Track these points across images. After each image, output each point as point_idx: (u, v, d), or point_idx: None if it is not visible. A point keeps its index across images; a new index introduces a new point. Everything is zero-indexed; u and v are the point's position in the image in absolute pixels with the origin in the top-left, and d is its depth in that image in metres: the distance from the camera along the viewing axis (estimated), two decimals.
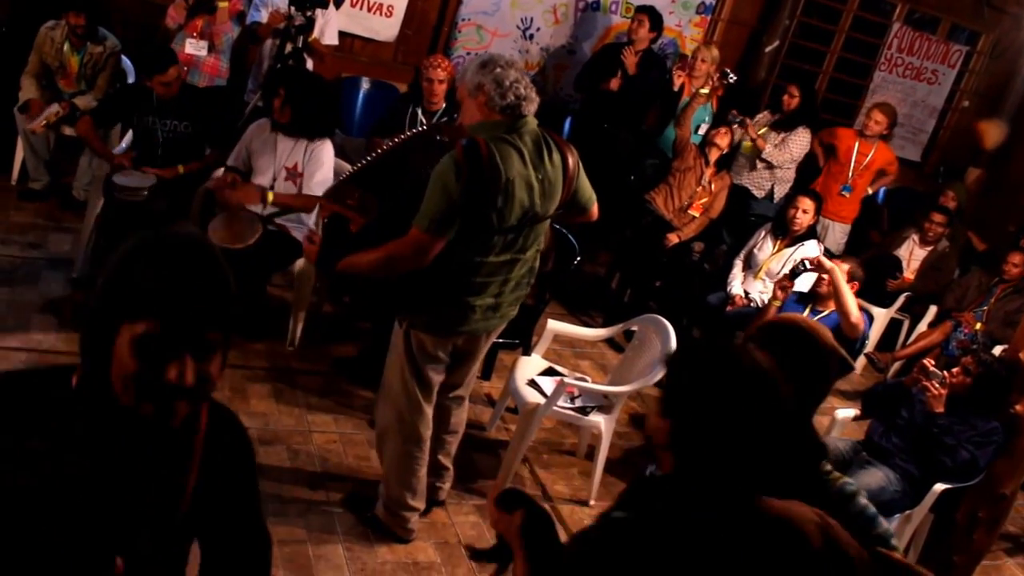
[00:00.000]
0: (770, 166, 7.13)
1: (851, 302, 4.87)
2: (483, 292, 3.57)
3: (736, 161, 7.26)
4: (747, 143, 7.14)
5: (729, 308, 6.11)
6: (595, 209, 3.85)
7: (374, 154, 3.71)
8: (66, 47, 6.08)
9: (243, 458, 1.95)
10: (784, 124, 7.15)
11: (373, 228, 3.50)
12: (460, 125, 3.57)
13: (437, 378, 3.82)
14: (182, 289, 1.54)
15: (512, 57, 3.77)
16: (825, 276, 5.09)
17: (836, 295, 4.93)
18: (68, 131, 6.16)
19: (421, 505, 4.04)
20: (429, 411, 3.86)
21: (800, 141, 7.12)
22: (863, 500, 2.37)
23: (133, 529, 1.73)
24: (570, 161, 3.60)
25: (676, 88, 7.10)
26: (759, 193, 7.22)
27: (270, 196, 4.97)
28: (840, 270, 4.98)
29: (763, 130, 7.15)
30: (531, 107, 3.45)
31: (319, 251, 3.64)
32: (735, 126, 6.95)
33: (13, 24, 6.73)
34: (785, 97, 7.16)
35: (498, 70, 3.39)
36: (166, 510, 1.76)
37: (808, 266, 5.15)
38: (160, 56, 5.37)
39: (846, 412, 5.09)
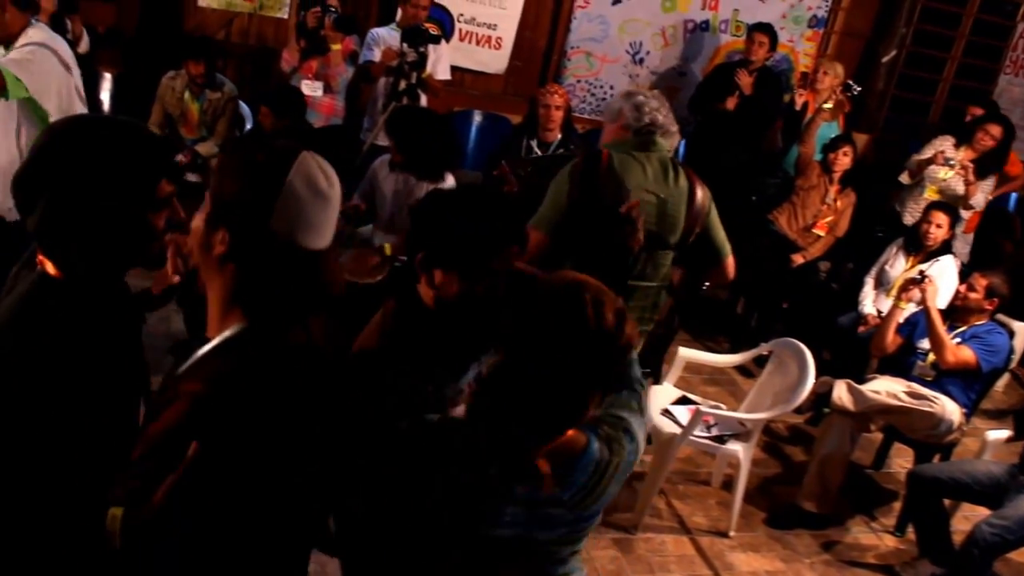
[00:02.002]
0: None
1: (939, 330, 4.78)
2: None
3: (913, 193, 6.79)
4: (934, 187, 6.61)
5: (861, 329, 5.89)
6: (730, 263, 3.76)
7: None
8: (186, 95, 6.21)
9: None
10: (987, 167, 6.57)
11: None
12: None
13: None
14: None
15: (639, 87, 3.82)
16: (916, 291, 5.00)
17: (927, 321, 4.84)
18: (191, 178, 6.30)
19: None
20: None
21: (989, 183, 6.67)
22: None
23: None
24: (698, 193, 3.56)
25: (799, 107, 6.94)
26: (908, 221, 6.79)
27: (387, 248, 4.99)
28: (931, 290, 4.89)
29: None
30: (668, 139, 3.51)
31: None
32: (946, 167, 6.47)
33: (130, 75, 6.95)
34: (980, 135, 6.49)
35: (640, 98, 3.51)
36: None
37: (920, 278, 5.01)
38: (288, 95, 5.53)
39: (998, 434, 4.84)
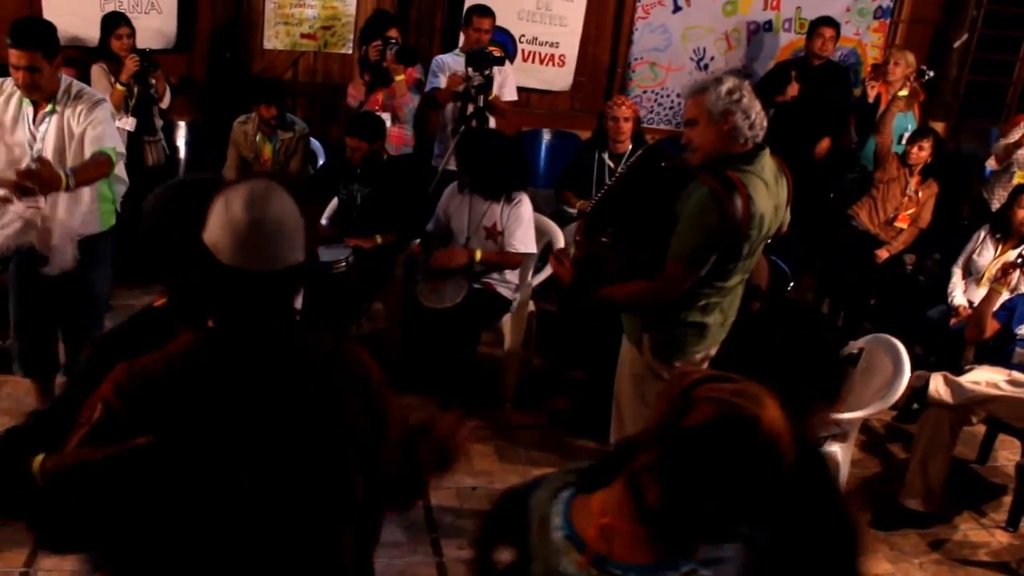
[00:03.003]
0: None
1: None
2: (711, 312, 3.52)
3: (1001, 179, 6.59)
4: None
5: (953, 321, 5.73)
6: (786, 226, 3.74)
7: (603, 190, 3.69)
8: (258, 137, 6.30)
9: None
10: None
11: (626, 261, 3.47)
12: (689, 146, 3.43)
13: None
14: None
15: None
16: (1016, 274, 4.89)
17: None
18: None
19: None
20: None
21: None
22: None
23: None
24: (789, 185, 3.53)
25: (872, 100, 6.82)
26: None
27: (478, 254, 5.00)
28: None
29: None
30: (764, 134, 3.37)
31: (573, 278, 3.56)
32: None
33: (205, 122, 7.08)
34: None
35: (745, 99, 3.27)
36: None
37: (1020, 262, 4.87)
38: (369, 119, 5.58)
39: None
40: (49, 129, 4.12)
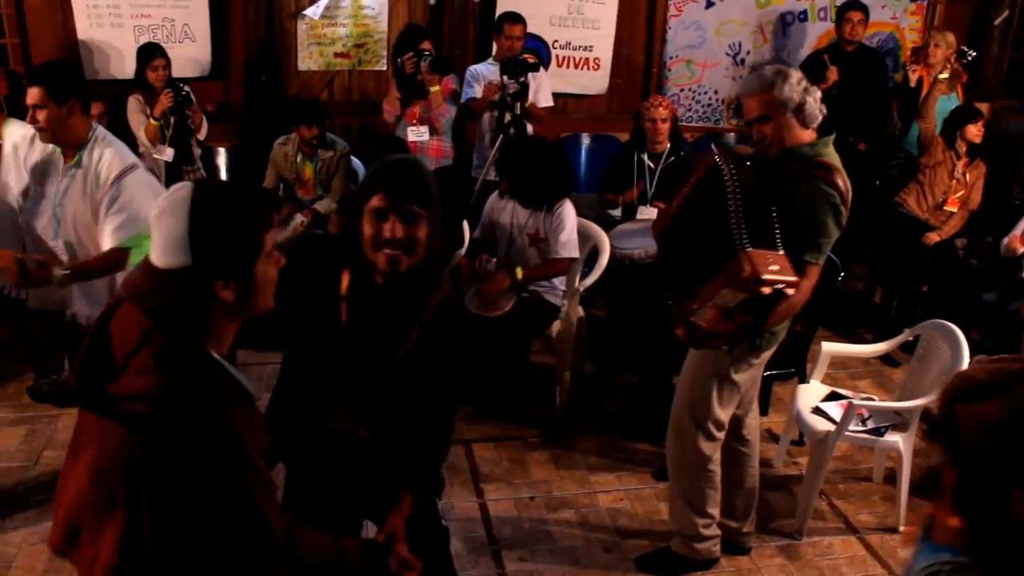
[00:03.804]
0: None
1: None
2: None
3: None
4: None
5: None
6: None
7: (682, 191, 3.55)
8: (299, 158, 6.33)
9: (451, 344, 2.67)
10: None
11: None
12: (762, 142, 3.44)
13: (750, 393, 3.82)
14: (396, 174, 2.48)
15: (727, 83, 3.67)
16: None
17: None
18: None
19: (716, 512, 3.92)
20: (726, 423, 3.79)
21: None
22: None
23: (360, 369, 2.56)
24: None
25: (913, 84, 6.72)
26: None
27: (519, 273, 4.98)
28: None
29: None
30: None
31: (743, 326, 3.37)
32: None
33: (243, 146, 7.14)
34: None
35: (809, 86, 3.37)
36: (387, 354, 2.55)
37: None
38: (389, 143, 5.58)
39: None
40: (73, 187, 4.04)
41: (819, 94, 3.38)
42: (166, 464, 1.79)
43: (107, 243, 3.97)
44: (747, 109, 3.46)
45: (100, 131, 4.11)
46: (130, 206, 3.96)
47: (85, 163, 4.02)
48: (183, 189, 1.93)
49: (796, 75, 3.36)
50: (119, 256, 3.94)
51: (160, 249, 1.90)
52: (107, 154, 4.01)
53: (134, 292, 1.92)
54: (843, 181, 3.31)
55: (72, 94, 3.93)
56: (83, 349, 1.93)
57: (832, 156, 3.38)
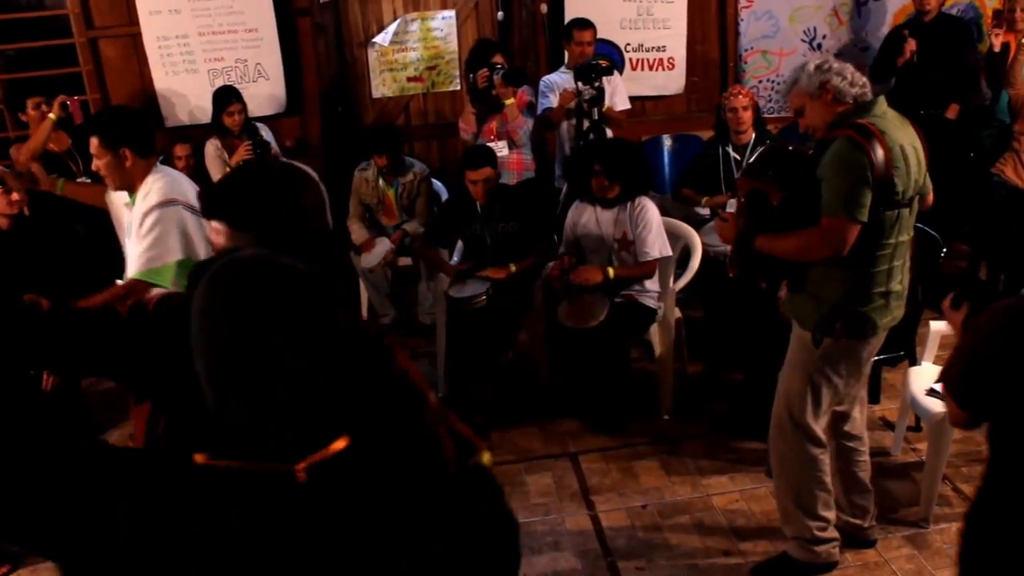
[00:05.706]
0: None
1: None
2: (894, 278, 3.48)
3: None
4: None
5: None
6: (931, 195, 3.67)
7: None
8: (380, 184, 6.36)
9: None
10: None
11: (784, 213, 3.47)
12: (808, 131, 3.54)
13: (851, 390, 3.70)
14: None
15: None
16: None
17: None
18: (403, 262, 6.45)
19: (830, 515, 3.81)
20: (825, 422, 3.72)
21: None
22: None
23: None
24: (925, 150, 3.47)
25: (998, 49, 6.50)
26: None
27: (611, 271, 4.92)
28: None
29: None
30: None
31: (738, 229, 3.60)
32: None
33: (326, 179, 7.18)
34: None
35: (834, 65, 3.40)
36: None
37: None
38: (475, 153, 5.56)
39: None
40: (132, 226, 3.95)
41: (851, 69, 3.40)
42: None
43: (131, 270, 3.87)
44: (790, 110, 3.63)
45: (160, 169, 4.02)
46: (160, 238, 3.81)
47: (138, 200, 3.95)
48: None
49: (815, 63, 3.44)
50: (136, 288, 3.77)
51: None
52: (154, 187, 3.90)
53: None
54: (878, 143, 3.24)
55: (124, 141, 3.87)
56: None
57: (880, 120, 3.33)
